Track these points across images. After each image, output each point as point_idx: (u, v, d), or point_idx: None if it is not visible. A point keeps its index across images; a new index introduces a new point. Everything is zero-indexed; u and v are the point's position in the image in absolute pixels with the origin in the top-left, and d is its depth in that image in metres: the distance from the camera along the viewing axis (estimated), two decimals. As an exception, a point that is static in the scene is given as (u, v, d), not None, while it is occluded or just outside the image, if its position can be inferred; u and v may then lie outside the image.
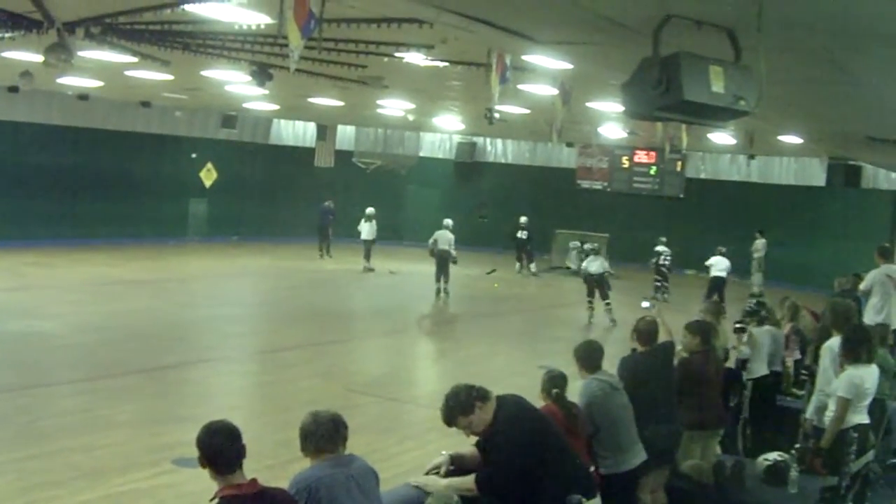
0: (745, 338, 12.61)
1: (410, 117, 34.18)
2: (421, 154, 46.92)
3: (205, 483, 5.72)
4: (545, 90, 18.57)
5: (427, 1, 8.58)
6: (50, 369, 17.86)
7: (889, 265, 17.56)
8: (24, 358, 18.26)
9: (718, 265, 31.58)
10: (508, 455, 7.25)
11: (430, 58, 16.45)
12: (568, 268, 38.86)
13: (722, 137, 28.69)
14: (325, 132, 43.13)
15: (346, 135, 44.84)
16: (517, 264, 38.26)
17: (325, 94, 26.87)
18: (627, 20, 7.47)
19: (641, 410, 9.11)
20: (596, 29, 8.11)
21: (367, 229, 36.63)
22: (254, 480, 5.69)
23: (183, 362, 18.90)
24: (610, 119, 27.76)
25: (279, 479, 6.33)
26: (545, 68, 14.12)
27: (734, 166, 42.01)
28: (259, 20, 13.14)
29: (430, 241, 31.01)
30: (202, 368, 18.79)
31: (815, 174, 38.26)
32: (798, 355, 14.38)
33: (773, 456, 9.96)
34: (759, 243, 37.05)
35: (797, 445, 10.35)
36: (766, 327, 13.19)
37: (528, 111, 25.26)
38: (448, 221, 31.88)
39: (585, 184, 45.36)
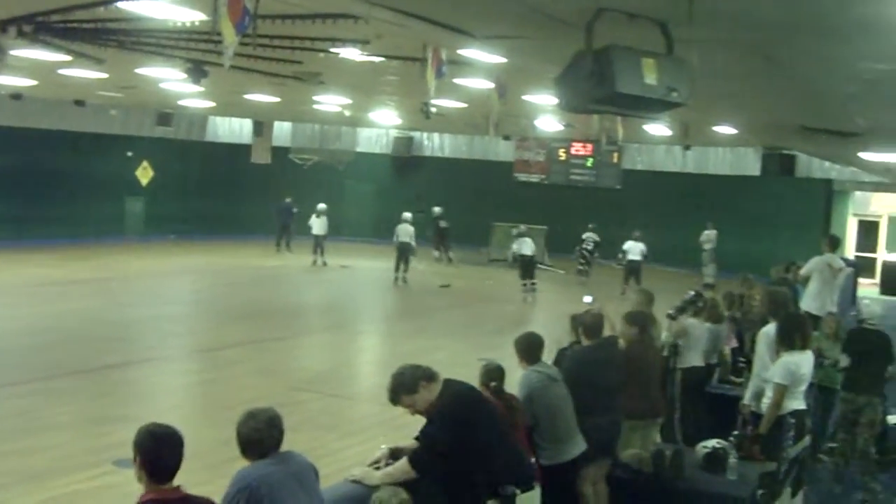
0: (670, 325, 12.69)
1: (347, 112, 34.09)
2: (358, 149, 46.86)
3: (148, 483, 5.68)
4: (481, 84, 18.59)
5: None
6: (-13, 373, 17.66)
7: (832, 255, 17.76)
8: (-39, 362, 18.05)
9: (633, 250, 32.79)
10: (441, 430, 7.28)
11: (365, 53, 16.41)
12: (505, 260, 38.84)
13: (658, 129, 28.81)
14: (261, 128, 43.00)
15: (282, 131, 44.72)
16: (436, 252, 38.41)
17: (261, 91, 26.77)
18: (561, 14, 7.50)
19: (583, 403, 9.18)
20: (530, 23, 8.14)
21: (317, 224, 36.89)
22: (177, 487, 5.63)
23: (123, 362, 18.76)
24: (546, 112, 27.78)
25: (220, 477, 6.33)
26: (481, 62, 14.14)
27: (670, 157, 42.26)
28: (193, 17, 13.04)
29: (395, 234, 33.23)
30: (143, 368, 18.69)
31: (749, 164, 38.60)
32: (735, 343, 14.53)
33: (712, 443, 10.01)
34: (710, 234, 37.30)
35: (735, 432, 10.47)
36: (707, 324, 13.26)
37: (464, 105, 25.28)
38: (407, 215, 33.62)
39: (523, 177, 45.53)
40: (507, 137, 42.49)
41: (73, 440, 13.62)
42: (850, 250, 39.87)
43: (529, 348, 9.17)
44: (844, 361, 13.02)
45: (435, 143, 47.53)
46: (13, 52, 17.36)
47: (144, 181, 41.86)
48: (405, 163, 46.95)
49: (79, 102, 34.91)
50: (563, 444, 8.84)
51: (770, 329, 11.40)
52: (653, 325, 11.57)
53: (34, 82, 27.10)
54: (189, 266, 34.69)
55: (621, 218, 38.61)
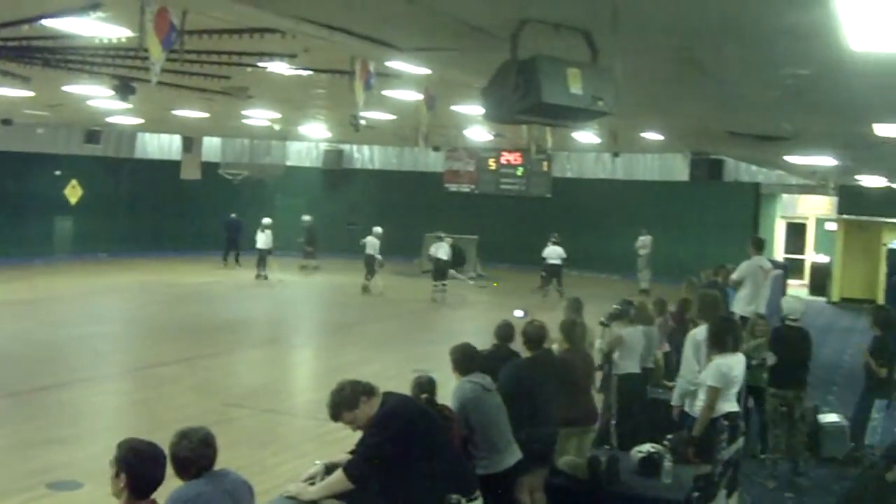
0: (604, 333, 12.78)
1: (276, 127, 33.99)
2: (288, 163, 46.75)
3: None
4: (410, 95, 18.60)
5: (284, 12, 8.57)
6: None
7: (761, 257, 17.94)
8: None
9: (552, 254, 33.88)
10: (378, 440, 7.30)
11: (293, 67, 16.39)
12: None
13: (586, 136, 28.98)
14: (190, 144, 42.74)
15: (211, 146, 44.48)
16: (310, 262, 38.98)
17: (190, 107, 26.61)
18: (486, 25, 7.52)
19: (520, 413, 9.23)
20: (455, 35, 8.16)
21: (261, 239, 36.81)
22: (153, 501, 5.69)
23: (54, 384, 18.54)
24: (476, 122, 27.86)
25: (156, 497, 6.27)
26: (409, 74, 14.16)
27: (599, 165, 42.53)
28: (119, 34, 12.94)
29: (361, 244, 34.23)
30: (74, 389, 18.44)
31: (678, 169, 38.91)
32: (668, 347, 14.66)
33: (647, 447, 10.09)
34: (645, 240, 37.49)
35: (669, 436, 10.54)
36: (640, 327, 13.37)
37: (394, 117, 25.28)
38: (377, 229, 34.33)
39: (453, 187, 45.65)
40: (436, 148, 42.50)
41: (6, 464, 13.49)
42: (778, 252, 40.32)
43: (464, 359, 9.21)
44: (771, 359, 13.24)
45: (365, 156, 47.52)
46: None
47: (73, 200, 41.42)
48: (336, 176, 46.88)
49: (5, 121, 34.48)
50: (498, 454, 8.86)
51: (698, 332, 11.53)
52: (583, 333, 11.62)
53: (-42, 102, 26.82)
54: (120, 284, 34.34)
55: (552, 226, 38.76)
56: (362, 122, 23.89)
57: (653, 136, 25.24)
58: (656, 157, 40.56)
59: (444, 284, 32.81)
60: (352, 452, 7.50)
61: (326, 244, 39.16)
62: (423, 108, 17.74)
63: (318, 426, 15.08)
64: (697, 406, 10.59)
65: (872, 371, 14.18)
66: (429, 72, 13.03)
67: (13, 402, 17.17)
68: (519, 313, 11.68)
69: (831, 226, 39.22)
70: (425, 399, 8.49)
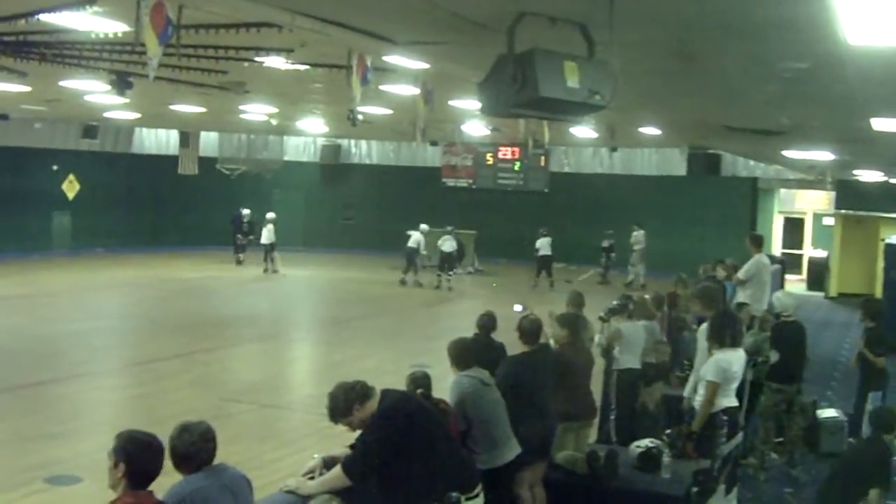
0: (604, 328, 12.80)
1: (273, 121, 33.91)
2: (286, 158, 46.64)
3: (80, 501, 5.68)
4: (407, 90, 18.57)
5: (281, 5, 8.56)
6: (-87, 393, 17.41)
7: (762, 255, 17.95)
8: None
9: (543, 246, 34.88)
10: (376, 437, 7.26)
11: (290, 61, 16.35)
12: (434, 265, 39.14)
13: (584, 131, 28.91)
14: (188, 139, 42.62)
15: (209, 141, 44.32)
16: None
17: (187, 101, 26.56)
18: (482, 18, 7.50)
19: (519, 407, 9.23)
20: (452, 28, 8.15)
21: (264, 234, 37.09)
22: (151, 493, 5.67)
23: (53, 379, 18.54)
24: (473, 117, 27.82)
25: (155, 492, 6.27)
26: (406, 68, 14.14)
27: (597, 159, 42.54)
28: (116, 28, 12.90)
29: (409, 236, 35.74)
30: (73, 384, 18.43)
31: (675, 164, 38.91)
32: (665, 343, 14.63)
33: (646, 442, 10.09)
34: (639, 235, 37.62)
35: (668, 431, 10.54)
36: (641, 322, 13.35)
37: (391, 111, 25.22)
38: (423, 226, 35.99)
39: (451, 182, 45.63)
40: (434, 143, 42.50)
41: (4, 458, 13.51)
42: (776, 247, 40.35)
43: (461, 354, 9.21)
44: (774, 357, 13.25)
45: (363, 151, 47.49)
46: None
47: (71, 195, 41.43)
48: (333, 171, 46.84)
49: (2, 116, 34.45)
50: (497, 449, 8.85)
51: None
52: (584, 328, 11.62)
53: (-45, 97, 26.78)
54: (118, 279, 34.29)
55: (550, 221, 38.77)
56: (359, 116, 23.81)
57: (650, 130, 25.22)
58: (654, 152, 40.59)
59: (449, 275, 34.46)
60: (351, 447, 7.48)
61: (324, 239, 39.10)
62: (421, 102, 17.72)
63: (316, 421, 15.00)
64: (697, 401, 10.57)
65: (868, 363, 14.20)
66: (426, 66, 12.99)
67: (11, 397, 17.14)
68: (518, 308, 11.69)
69: (829, 221, 39.23)
70: (420, 394, 8.47)
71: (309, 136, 44.92)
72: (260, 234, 37.37)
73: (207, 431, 6.20)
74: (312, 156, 47.27)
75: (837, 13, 5.76)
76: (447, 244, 35.01)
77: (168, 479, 5.97)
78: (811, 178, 35.63)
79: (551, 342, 10.91)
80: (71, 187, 41.32)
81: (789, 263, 36.85)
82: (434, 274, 35.15)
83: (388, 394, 7.50)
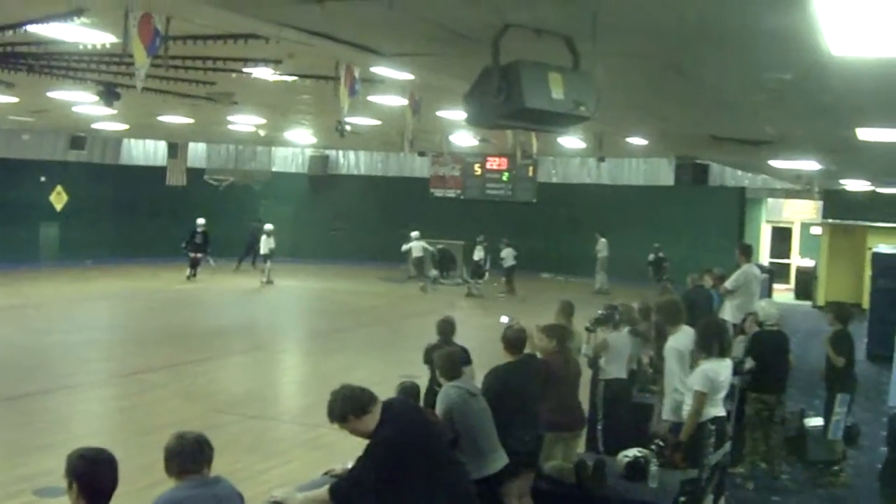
0: (590, 338, 12.84)
1: (262, 132, 33.94)
2: (274, 169, 46.68)
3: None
4: (395, 101, 18.61)
5: (267, 17, 8.58)
6: None
7: (752, 265, 18.00)
8: None
9: (508, 257, 36.23)
10: (372, 468, 7.24)
11: (278, 72, 16.38)
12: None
13: (572, 141, 28.98)
14: (176, 150, 42.53)
15: (197, 152, 44.29)
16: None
17: (175, 112, 26.56)
18: (467, 30, 7.52)
19: (506, 417, 9.22)
20: (437, 40, 8.16)
21: (265, 244, 37.48)
22: None
23: (41, 390, 18.47)
24: (461, 127, 27.87)
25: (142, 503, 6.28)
26: (394, 79, 14.18)
27: (585, 169, 42.61)
28: (104, 39, 12.90)
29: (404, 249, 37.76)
30: (61, 395, 18.38)
31: (663, 174, 38.95)
32: (651, 353, 14.65)
33: (633, 452, 10.09)
34: (601, 244, 38.21)
35: (656, 440, 10.54)
36: (625, 330, 13.35)
37: (379, 122, 25.26)
38: (415, 234, 37.84)
39: (439, 192, 45.72)
40: (422, 154, 42.57)
41: (-8, 471, 13.46)
42: (764, 257, 40.46)
43: (448, 364, 9.22)
44: (749, 364, 13.28)
45: (351, 161, 47.50)
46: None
47: (59, 206, 41.31)
48: (321, 181, 46.85)
49: (-11, 127, 34.48)
50: (484, 459, 8.85)
51: (677, 343, 11.41)
52: (571, 338, 11.63)
53: (-59, 108, 26.73)
54: (106, 291, 34.23)
55: (538, 231, 38.91)
56: (348, 127, 23.87)
57: (638, 141, 25.28)
58: (641, 162, 40.68)
59: (478, 282, 36.00)
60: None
61: (313, 250, 39.09)
62: (409, 113, 17.76)
63: (304, 432, 15.07)
64: (684, 411, 10.57)
65: (832, 366, 14.27)
66: (413, 77, 13.03)
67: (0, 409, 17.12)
68: (504, 319, 11.72)
69: (816, 230, 39.35)
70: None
71: (297, 146, 44.91)
72: (204, 247, 37.62)
73: (201, 438, 6.22)
74: (301, 166, 47.25)
75: (820, 24, 5.79)
76: (477, 253, 36.48)
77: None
78: (798, 187, 35.69)
79: (538, 354, 10.94)
80: (59, 198, 41.21)
81: (777, 273, 36.98)
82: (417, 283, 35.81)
83: (391, 413, 7.45)
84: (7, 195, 38.51)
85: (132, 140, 43.33)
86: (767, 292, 31.34)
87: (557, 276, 37.70)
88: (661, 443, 10.45)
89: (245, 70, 16.30)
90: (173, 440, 6.16)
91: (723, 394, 10.69)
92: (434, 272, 39.52)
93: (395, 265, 39.86)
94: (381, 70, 12.65)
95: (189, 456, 6.11)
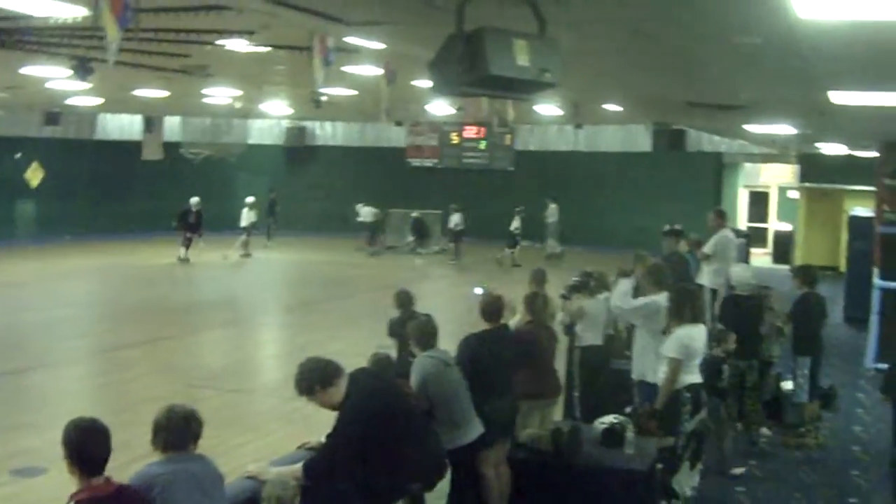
0: (565, 305, 12.84)
1: (237, 105, 33.85)
2: (250, 141, 46.62)
3: (46, 492, 5.66)
4: (370, 71, 18.56)
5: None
6: None
7: (727, 229, 18.01)
8: None
9: (455, 220, 36.89)
10: (342, 445, 7.27)
11: (252, 44, 16.31)
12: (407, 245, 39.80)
13: (549, 109, 28.95)
14: (151, 124, 42.41)
15: (172, 126, 44.15)
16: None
17: (150, 86, 26.42)
18: (431, -3, 7.50)
19: (481, 386, 9.23)
20: (401, 8, 8.11)
21: (247, 217, 37.36)
22: (108, 479, 5.65)
23: (17, 369, 18.35)
24: (437, 96, 27.85)
25: (120, 480, 6.26)
26: (368, 49, 14.11)
27: (562, 137, 42.61)
28: (75, 13, 12.82)
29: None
30: (38, 374, 18.27)
31: (641, 140, 39.05)
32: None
33: (609, 419, 10.10)
34: (551, 209, 38.60)
35: (628, 409, 10.55)
36: (600, 297, 13.32)
37: (355, 92, 25.17)
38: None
39: (416, 162, 45.72)
40: (399, 123, 42.43)
41: (-32, 451, 13.40)
42: (741, 221, 40.55)
43: (423, 334, 9.22)
44: (731, 343, 13.30)
45: (328, 132, 47.42)
46: None
47: (35, 182, 41.11)
48: (298, 153, 46.78)
49: (-38, 105, 34.24)
50: (460, 429, 8.86)
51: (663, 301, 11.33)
52: (545, 305, 11.61)
53: (-87, 86, 26.56)
54: (84, 267, 34.11)
55: (515, 199, 38.90)
56: (323, 98, 23.83)
57: (614, 107, 25.26)
58: (619, 129, 40.69)
59: (512, 251, 35.52)
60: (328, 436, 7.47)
61: (290, 221, 39.06)
62: (384, 83, 17.74)
63: (282, 404, 15.05)
64: (659, 378, 10.56)
65: (798, 329, 14.30)
66: (386, 46, 12.97)
67: (-25, 388, 17.08)
68: (478, 290, 11.71)
69: (794, 194, 39.40)
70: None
71: (273, 118, 44.79)
72: (197, 227, 35.82)
73: (191, 414, 6.25)
74: (277, 138, 47.18)
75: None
76: (515, 223, 36.24)
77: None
78: (775, 152, 35.78)
79: (513, 321, 10.95)
80: (35, 175, 41.00)
81: (755, 237, 37.06)
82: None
83: (357, 383, 7.47)
84: (-19, 172, 38.35)
85: (108, 115, 43.10)
86: (745, 256, 31.46)
87: (536, 243, 37.62)
88: (636, 409, 10.48)
89: (219, 42, 16.24)
90: (162, 413, 6.19)
91: (698, 360, 10.65)
92: (410, 239, 39.75)
93: (372, 235, 40.00)
94: (355, 40, 12.59)
95: (174, 431, 6.14)
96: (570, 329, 13.00)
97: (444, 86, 7.20)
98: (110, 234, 41.38)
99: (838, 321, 23.16)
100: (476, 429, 9.01)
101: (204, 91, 27.78)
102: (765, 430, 14.03)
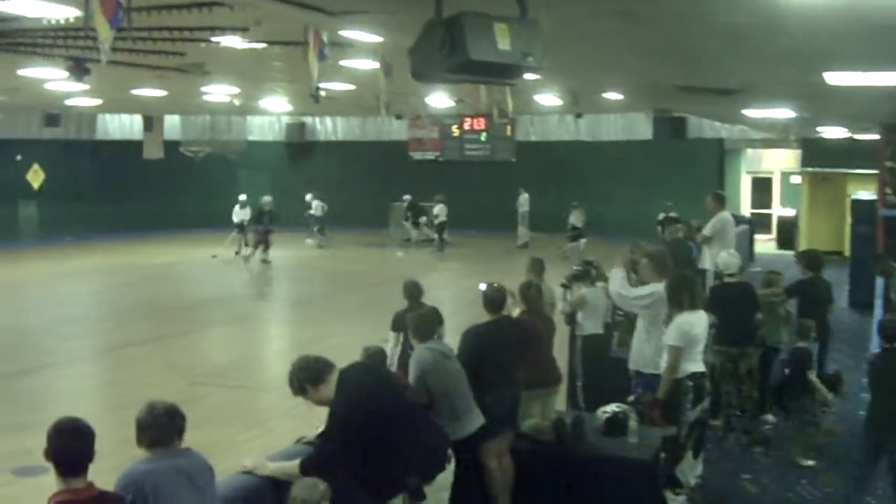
0: (567, 295, 12.81)
1: (236, 102, 33.80)
2: (250, 138, 46.59)
3: (47, 492, 5.58)
4: (367, 64, 18.52)
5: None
6: None
7: (725, 212, 17.98)
8: None
9: (441, 212, 37.62)
10: (334, 444, 7.24)
11: (247, 40, 16.27)
12: (407, 240, 39.79)
13: (548, 99, 28.93)
14: (151, 123, 42.36)
15: (172, 124, 44.10)
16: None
17: (147, 85, 26.39)
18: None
19: (483, 378, 9.19)
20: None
21: (239, 214, 36.95)
22: (90, 484, 5.57)
23: (20, 370, 18.41)
24: (436, 89, 27.82)
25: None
26: (363, 42, 14.05)
27: (563, 126, 42.58)
28: (67, 13, 12.79)
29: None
30: (41, 374, 18.33)
31: (641, 128, 38.92)
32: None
33: (612, 408, 10.03)
34: (522, 199, 39.29)
35: (630, 398, 10.48)
36: (599, 285, 13.27)
37: (353, 87, 25.14)
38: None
39: (418, 155, 45.70)
40: (399, 117, 42.50)
41: (-29, 451, 13.40)
42: (745, 207, 40.48)
43: (421, 326, 9.18)
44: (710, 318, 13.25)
45: (328, 127, 47.42)
46: None
47: (36, 184, 41.22)
48: (299, 149, 46.79)
49: (-38, 108, 34.22)
50: (460, 421, 8.81)
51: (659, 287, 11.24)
52: (540, 294, 11.54)
53: (-89, 91, 26.55)
54: (87, 267, 34.13)
55: (518, 189, 38.94)
56: (322, 93, 23.77)
57: (613, 95, 25.20)
58: (619, 117, 40.66)
59: (576, 244, 35.05)
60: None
61: (292, 217, 38.98)
62: (381, 76, 17.69)
63: (286, 400, 14.78)
64: (661, 366, 10.48)
65: (804, 313, 14.19)
66: (381, 39, 12.91)
67: (-22, 390, 17.09)
68: (483, 286, 11.67)
69: (796, 179, 39.32)
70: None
71: (273, 115, 44.79)
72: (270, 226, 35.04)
73: (172, 409, 6.18)
74: (278, 135, 47.22)
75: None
76: (575, 217, 36.29)
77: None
78: (776, 137, 35.68)
79: (514, 312, 10.92)
80: (36, 176, 41.09)
81: (759, 223, 37.05)
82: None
83: (346, 379, 7.42)
84: (-17, 175, 38.38)
85: (107, 115, 43.14)
86: (749, 242, 31.43)
87: (541, 234, 37.61)
88: (639, 399, 10.41)
89: (213, 39, 16.19)
90: (144, 412, 6.14)
91: (700, 347, 10.57)
92: (406, 224, 39.91)
93: (375, 230, 39.93)
94: (349, 33, 12.53)
95: (159, 427, 6.09)
96: (571, 318, 12.96)
97: (425, 72, 7.14)
98: (113, 234, 41.40)
99: (843, 305, 23.08)
100: (477, 420, 8.96)
101: (203, 89, 27.74)
102: (770, 417, 13.99)
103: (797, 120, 24.47)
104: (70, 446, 5.54)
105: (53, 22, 13.83)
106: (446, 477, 7.94)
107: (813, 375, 12.69)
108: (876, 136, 25.04)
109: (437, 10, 6.60)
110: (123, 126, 44.02)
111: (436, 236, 38.59)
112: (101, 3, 9.17)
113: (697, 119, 35.93)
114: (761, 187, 42.32)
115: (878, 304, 18.15)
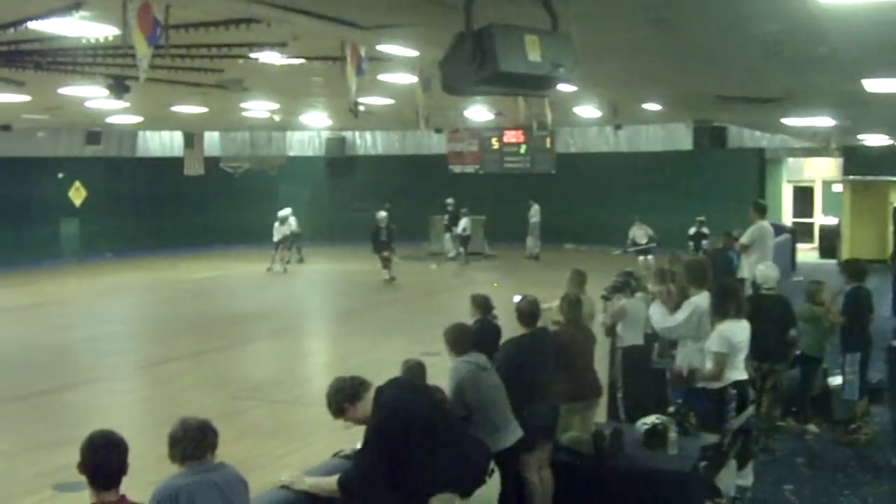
0: (607, 306, 12.77)
1: (276, 118, 33.91)
2: (290, 153, 46.58)
3: (87, 508, 5.63)
4: (405, 79, 18.53)
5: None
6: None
7: (765, 222, 17.92)
8: None
9: (464, 225, 38.43)
10: (368, 455, 7.24)
11: (285, 56, 16.30)
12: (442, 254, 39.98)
13: (588, 110, 28.87)
14: (192, 140, 42.54)
15: (212, 141, 44.25)
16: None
17: (187, 102, 26.50)
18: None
19: (521, 391, 9.16)
20: (412, 8, 8.06)
21: (280, 231, 37.02)
22: (122, 497, 5.61)
23: (62, 386, 18.54)
24: (475, 102, 27.81)
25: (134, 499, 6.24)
26: (401, 57, 14.08)
27: (602, 138, 42.38)
28: (106, 32, 12.86)
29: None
30: (82, 390, 18.46)
31: (681, 138, 38.65)
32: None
33: (651, 419, 9.99)
34: (534, 210, 39.37)
35: (671, 408, 10.43)
36: (639, 295, 13.24)
37: (392, 101, 25.17)
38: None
39: (457, 168, 45.58)
40: (438, 130, 42.50)
41: (12, 467, 13.52)
42: (787, 217, 40.29)
43: (458, 339, 9.15)
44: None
45: (367, 142, 47.46)
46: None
47: (78, 201, 41.45)
48: (339, 163, 46.83)
49: (5, 127, 34.38)
50: (498, 433, 8.77)
51: (703, 301, 11.19)
52: (579, 306, 11.49)
53: (-46, 110, 26.77)
54: (127, 283, 34.37)
55: (558, 202, 38.87)
56: (361, 108, 23.81)
57: (653, 106, 25.12)
58: (659, 128, 40.42)
59: (646, 258, 33.78)
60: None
61: (332, 232, 39.06)
62: (419, 90, 17.68)
63: (326, 413, 14.89)
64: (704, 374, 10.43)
65: (847, 325, 14.01)
66: (418, 53, 12.93)
67: (21, 406, 17.20)
68: (518, 299, 11.61)
69: (838, 188, 39.11)
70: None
71: (313, 130, 44.85)
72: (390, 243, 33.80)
73: (205, 425, 6.21)
74: (318, 149, 47.22)
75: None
76: (637, 232, 35.42)
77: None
78: (817, 145, 35.48)
79: (551, 324, 10.88)
80: (77, 194, 41.34)
81: (801, 232, 36.85)
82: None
83: (382, 396, 7.42)
84: (26, 194, 38.72)
85: (147, 132, 43.27)
86: (791, 252, 31.28)
87: (581, 246, 37.56)
88: (679, 410, 10.35)
89: (251, 55, 16.23)
90: (176, 427, 6.17)
91: (742, 356, 10.55)
92: (447, 236, 39.95)
93: (415, 243, 39.90)
94: (386, 48, 12.55)
95: (191, 442, 6.11)
96: (611, 330, 12.92)
97: (456, 84, 7.12)
98: (153, 250, 41.65)
99: (887, 314, 22.87)
100: (515, 432, 8.93)
101: (242, 105, 27.84)
102: (812, 427, 13.90)
103: (838, 128, 24.33)
104: (103, 459, 5.59)
105: (93, 41, 13.90)
106: (490, 491, 7.89)
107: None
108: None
109: (466, 22, 6.59)
110: (164, 143, 44.16)
111: (461, 249, 38.62)
112: (140, 21, 9.22)
113: (738, 129, 35.79)
114: (803, 196, 42.11)
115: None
